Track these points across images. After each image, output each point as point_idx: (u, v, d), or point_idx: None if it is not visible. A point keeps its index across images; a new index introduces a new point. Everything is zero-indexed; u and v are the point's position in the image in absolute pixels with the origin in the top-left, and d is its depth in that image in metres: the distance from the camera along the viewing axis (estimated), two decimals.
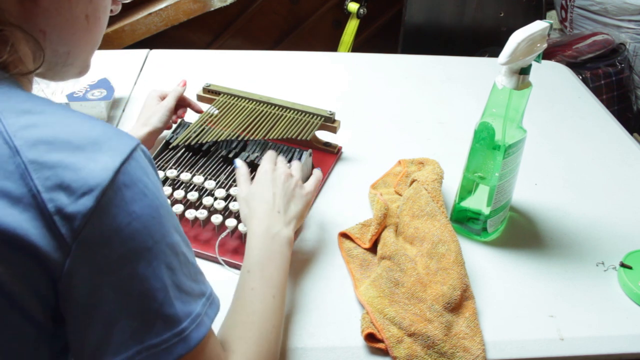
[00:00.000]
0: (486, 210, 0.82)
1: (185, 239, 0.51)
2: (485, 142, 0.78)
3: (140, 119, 0.95)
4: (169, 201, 0.50)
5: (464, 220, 0.86)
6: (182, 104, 1.01)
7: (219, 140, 0.92)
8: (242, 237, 0.80)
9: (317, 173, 0.83)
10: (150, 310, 0.45)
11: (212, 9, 2.04)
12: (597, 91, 1.85)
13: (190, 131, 0.93)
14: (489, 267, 0.81)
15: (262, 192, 0.74)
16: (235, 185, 0.86)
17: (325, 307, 0.73)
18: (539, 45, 0.71)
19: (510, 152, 0.78)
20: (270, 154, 0.81)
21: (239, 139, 0.93)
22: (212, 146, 0.92)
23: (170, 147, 0.92)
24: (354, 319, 0.71)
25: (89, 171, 0.42)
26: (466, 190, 0.84)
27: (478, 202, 0.82)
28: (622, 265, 0.80)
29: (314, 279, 0.77)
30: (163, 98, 0.99)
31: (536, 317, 0.74)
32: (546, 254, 0.84)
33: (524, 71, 0.72)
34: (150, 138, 0.92)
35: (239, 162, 0.81)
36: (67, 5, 0.50)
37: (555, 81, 1.35)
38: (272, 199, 0.73)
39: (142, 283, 0.45)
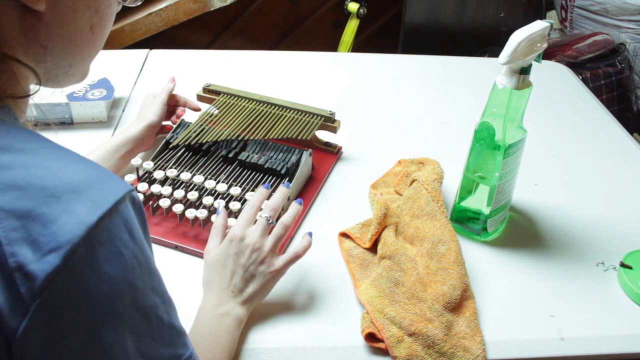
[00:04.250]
0: (486, 210, 0.82)
1: (167, 298, 0.47)
2: (485, 141, 0.78)
3: (137, 117, 0.95)
4: (152, 256, 0.46)
5: (464, 220, 0.86)
6: (178, 102, 1.01)
7: (219, 140, 0.92)
8: None
9: (292, 210, 0.74)
10: None
11: (212, 9, 2.04)
12: (597, 91, 1.85)
13: (190, 131, 0.93)
14: (489, 267, 0.81)
15: (222, 266, 0.68)
16: (235, 185, 0.86)
17: (325, 306, 0.73)
18: (539, 45, 0.71)
19: (510, 152, 0.78)
20: (246, 214, 0.71)
21: (239, 138, 0.93)
22: (212, 146, 0.92)
23: (171, 146, 0.92)
24: (354, 318, 0.71)
25: (61, 225, 0.38)
26: (466, 190, 0.84)
27: (478, 202, 0.82)
28: (622, 265, 0.80)
29: (314, 278, 0.77)
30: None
31: (536, 317, 0.74)
32: (546, 253, 0.84)
33: (524, 71, 0.72)
34: (147, 132, 0.92)
35: (221, 211, 0.75)
36: (71, 18, 0.46)
37: (555, 81, 1.35)
38: (229, 277, 0.67)
39: (105, 350, 0.41)
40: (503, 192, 0.82)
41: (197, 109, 1.02)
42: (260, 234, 0.69)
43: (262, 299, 0.70)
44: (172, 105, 1.01)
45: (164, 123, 0.99)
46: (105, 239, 0.40)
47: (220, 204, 0.81)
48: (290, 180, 0.87)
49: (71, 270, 0.38)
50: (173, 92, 1.01)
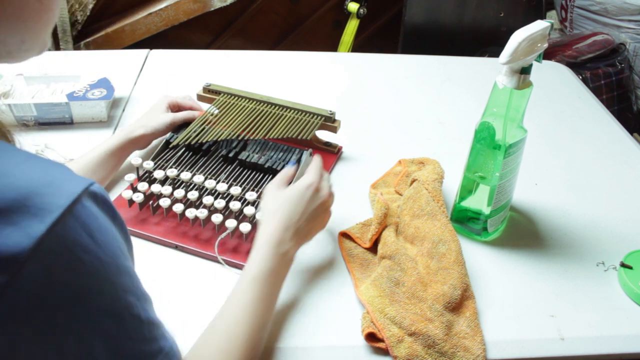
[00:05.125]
0: (486, 210, 0.82)
1: (141, 293, 0.45)
2: (485, 141, 0.78)
3: (142, 119, 0.95)
4: (126, 251, 0.44)
5: (465, 220, 0.86)
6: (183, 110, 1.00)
7: (219, 139, 0.92)
8: (243, 237, 0.80)
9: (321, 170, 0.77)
10: None
11: (212, 9, 2.04)
12: (597, 91, 1.85)
13: (191, 131, 0.93)
14: (489, 267, 0.81)
15: (294, 206, 0.70)
16: (235, 185, 0.85)
17: (325, 306, 0.73)
18: (539, 45, 0.71)
19: (510, 152, 0.78)
20: (319, 165, 0.76)
21: (239, 138, 0.93)
22: (212, 146, 0.92)
23: (171, 146, 0.92)
24: (355, 318, 0.71)
25: (4, 240, 0.35)
26: (467, 190, 0.84)
27: (478, 201, 0.82)
28: (623, 265, 0.80)
29: (315, 278, 0.77)
30: (172, 106, 0.98)
31: (537, 317, 0.74)
32: (546, 253, 0.84)
33: (525, 71, 0.72)
34: (149, 139, 0.92)
35: (292, 165, 0.80)
36: None
37: (555, 81, 1.35)
38: (298, 219, 0.69)
39: None
40: (503, 192, 0.82)
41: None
42: (330, 191, 0.75)
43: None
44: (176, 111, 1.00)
45: None
46: (60, 248, 0.37)
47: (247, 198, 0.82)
48: (290, 180, 0.86)
49: (22, 285, 0.36)
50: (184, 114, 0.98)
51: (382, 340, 0.68)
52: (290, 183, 0.77)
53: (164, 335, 0.48)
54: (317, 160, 0.77)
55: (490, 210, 0.82)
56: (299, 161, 0.88)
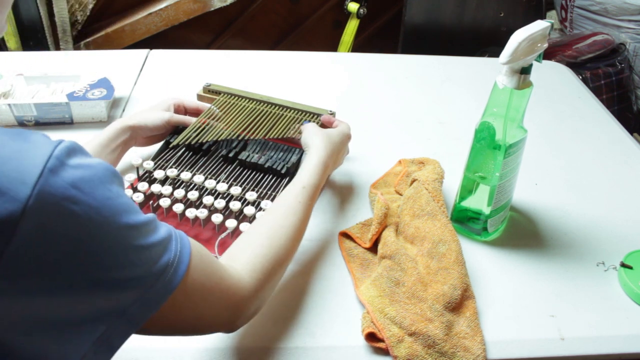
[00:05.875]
0: (487, 210, 0.82)
1: (142, 221, 0.47)
2: (486, 141, 0.78)
3: (141, 112, 0.93)
4: (114, 192, 0.45)
5: (465, 220, 0.86)
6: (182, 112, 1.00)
7: (219, 139, 0.92)
8: None
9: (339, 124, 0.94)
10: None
11: (212, 9, 2.04)
12: (597, 91, 1.85)
13: (191, 130, 0.93)
14: (489, 267, 0.81)
15: (338, 143, 0.87)
16: (235, 185, 0.85)
17: (325, 306, 0.73)
18: (539, 45, 0.71)
19: (510, 152, 0.78)
20: (348, 124, 0.93)
21: (239, 138, 0.93)
22: (212, 145, 0.92)
23: (171, 146, 0.92)
24: (355, 318, 0.71)
25: None
26: (467, 190, 0.84)
27: (479, 201, 0.82)
28: (623, 265, 0.80)
29: (315, 278, 0.77)
30: (178, 107, 0.97)
31: (537, 317, 0.74)
32: (547, 253, 0.84)
33: (525, 71, 0.72)
34: (136, 133, 0.90)
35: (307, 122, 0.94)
36: None
37: (555, 81, 1.35)
38: (337, 152, 0.86)
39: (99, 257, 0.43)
40: (503, 192, 0.82)
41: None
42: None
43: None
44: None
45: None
46: (49, 205, 0.39)
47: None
48: (290, 180, 0.87)
49: (17, 247, 0.38)
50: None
51: (382, 340, 0.68)
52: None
53: (167, 248, 0.50)
54: (346, 122, 0.94)
55: (491, 210, 0.82)
56: (298, 162, 0.89)
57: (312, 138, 0.85)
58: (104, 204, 0.43)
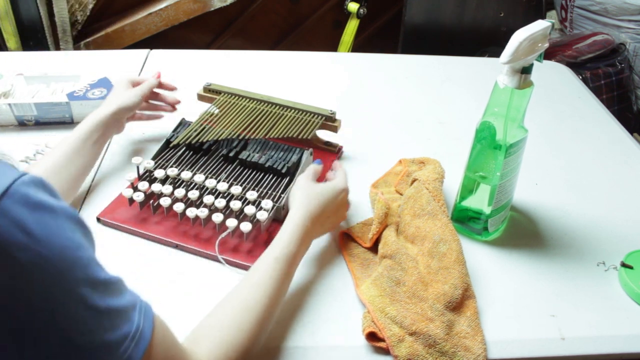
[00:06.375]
0: (487, 210, 0.82)
1: (101, 280, 0.43)
2: (486, 141, 0.78)
3: (107, 99, 0.91)
4: (74, 242, 0.41)
5: (465, 220, 0.86)
6: (157, 98, 1.01)
7: (220, 139, 0.92)
8: (244, 236, 0.80)
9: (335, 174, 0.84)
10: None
11: (212, 9, 2.04)
12: (597, 91, 1.85)
13: (191, 130, 0.93)
14: (490, 267, 0.81)
15: (326, 202, 0.76)
16: (236, 185, 0.85)
17: (326, 305, 0.73)
18: (540, 44, 0.71)
19: (511, 152, 0.78)
20: (345, 173, 0.84)
21: (240, 138, 0.93)
22: (212, 145, 0.92)
23: (171, 145, 0.92)
24: (356, 317, 0.71)
25: None
26: (467, 189, 0.84)
27: (479, 201, 0.82)
28: (623, 265, 0.80)
29: (316, 277, 0.77)
30: (134, 84, 0.96)
31: (537, 317, 0.74)
32: (547, 253, 0.84)
33: (526, 70, 0.72)
34: (116, 117, 0.88)
35: (319, 164, 0.87)
36: None
37: (556, 81, 1.35)
38: (325, 214, 0.76)
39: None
40: (504, 191, 0.82)
41: (172, 105, 1.01)
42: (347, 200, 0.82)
43: None
44: (152, 99, 1.00)
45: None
46: None
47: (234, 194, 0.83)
48: (291, 180, 0.87)
49: None
50: (156, 90, 1.00)
51: (382, 340, 0.68)
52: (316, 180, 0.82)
53: (129, 317, 0.45)
54: (343, 169, 0.85)
55: (491, 210, 0.82)
56: (299, 161, 0.88)
57: (295, 195, 0.77)
58: (60, 254, 0.39)
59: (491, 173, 0.80)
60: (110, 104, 0.89)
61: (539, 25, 0.71)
